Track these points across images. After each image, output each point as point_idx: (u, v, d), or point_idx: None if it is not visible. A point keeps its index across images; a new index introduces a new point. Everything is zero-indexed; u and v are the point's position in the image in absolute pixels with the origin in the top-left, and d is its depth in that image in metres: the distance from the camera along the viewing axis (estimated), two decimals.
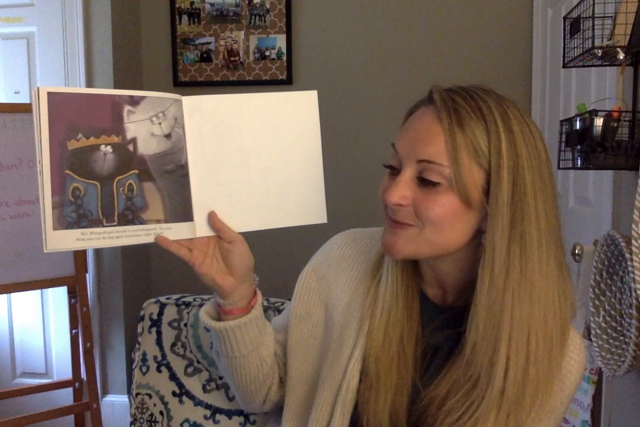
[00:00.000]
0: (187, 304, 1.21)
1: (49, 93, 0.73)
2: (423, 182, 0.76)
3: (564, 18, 1.40)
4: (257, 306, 0.91)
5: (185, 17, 2.65)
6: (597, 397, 1.45)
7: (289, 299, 1.00)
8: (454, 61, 2.51)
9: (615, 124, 1.25)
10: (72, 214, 0.75)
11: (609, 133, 1.25)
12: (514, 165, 0.73)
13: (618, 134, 1.26)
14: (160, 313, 1.21)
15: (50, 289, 2.48)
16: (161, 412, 1.19)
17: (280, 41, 2.61)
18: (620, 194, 1.50)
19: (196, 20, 2.64)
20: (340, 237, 0.97)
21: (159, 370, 1.20)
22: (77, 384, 2.21)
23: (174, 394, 1.19)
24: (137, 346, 1.21)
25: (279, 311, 1.17)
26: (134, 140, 0.78)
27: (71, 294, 2.16)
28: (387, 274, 0.87)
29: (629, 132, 1.26)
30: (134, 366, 1.22)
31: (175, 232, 0.82)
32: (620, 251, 1.24)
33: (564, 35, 1.40)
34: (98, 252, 2.52)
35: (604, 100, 1.49)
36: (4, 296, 2.52)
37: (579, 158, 1.33)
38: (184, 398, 1.18)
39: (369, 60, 2.58)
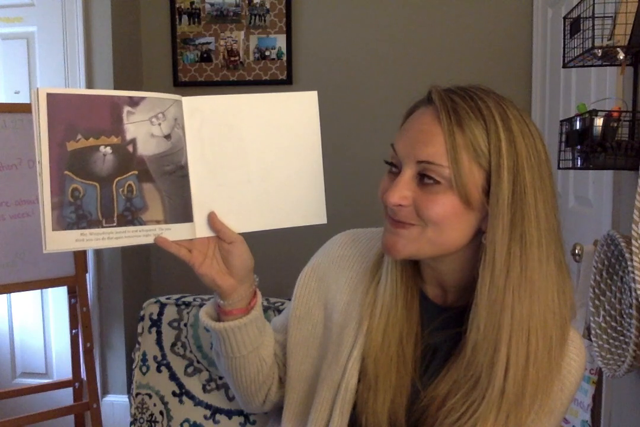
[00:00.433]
0: (187, 304, 1.21)
1: (48, 94, 0.73)
2: (423, 182, 0.76)
3: (564, 18, 1.40)
4: (257, 307, 0.91)
5: (185, 17, 2.65)
6: (597, 397, 1.45)
7: (289, 299, 1.00)
8: (454, 61, 2.51)
9: (615, 124, 1.25)
10: (72, 215, 0.75)
11: (609, 133, 1.25)
12: (513, 165, 0.74)
13: (618, 134, 1.25)
14: (160, 313, 1.21)
15: (50, 289, 2.48)
16: (161, 412, 1.19)
17: (280, 41, 2.61)
18: (620, 194, 1.50)
19: (196, 20, 2.64)
20: (340, 237, 0.97)
21: (159, 370, 1.20)
22: (77, 384, 2.21)
23: (174, 394, 1.19)
24: (137, 346, 1.21)
25: (279, 311, 1.17)
26: (133, 141, 0.78)
27: (71, 294, 2.16)
28: (387, 274, 0.87)
29: (629, 132, 1.26)
30: (134, 366, 1.22)
31: (174, 233, 0.82)
32: (620, 251, 1.24)
33: (564, 35, 1.40)
34: (98, 252, 2.52)
35: (604, 100, 1.49)
36: (4, 296, 2.52)
37: (579, 158, 1.33)
38: (184, 398, 1.18)
39: (369, 60, 2.58)
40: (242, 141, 0.85)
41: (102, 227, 0.76)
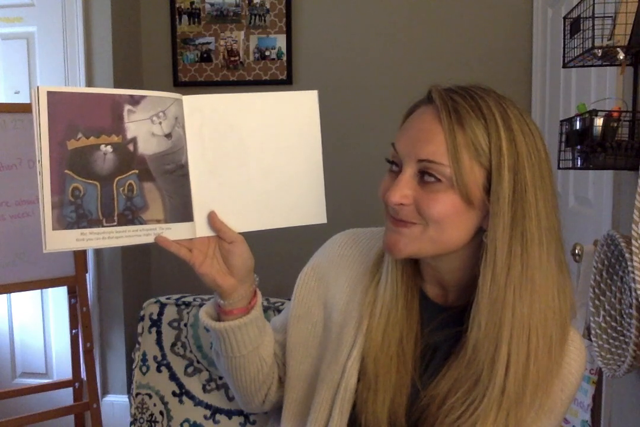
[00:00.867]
0: (187, 304, 1.21)
1: (48, 92, 0.73)
2: (424, 180, 0.76)
3: (564, 18, 1.40)
4: (257, 306, 0.91)
5: (185, 17, 2.65)
6: (597, 397, 1.45)
7: (289, 299, 1.00)
8: (454, 61, 2.52)
9: (615, 124, 1.25)
10: (72, 214, 0.74)
11: (609, 133, 1.25)
12: (514, 163, 0.74)
13: (618, 134, 1.25)
14: (160, 313, 1.21)
15: (50, 289, 2.48)
16: (161, 412, 1.19)
17: (280, 41, 2.61)
18: (620, 194, 1.50)
19: (196, 20, 2.64)
20: (340, 237, 0.97)
21: (159, 370, 1.20)
22: (77, 384, 2.21)
23: (174, 394, 1.19)
24: (137, 346, 1.21)
25: (279, 311, 1.17)
26: (134, 140, 0.78)
27: (71, 294, 2.16)
28: (387, 274, 0.87)
29: (629, 132, 1.26)
30: (134, 366, 1.22)
31: (175, 232, 0.81)
32: (620, 251, 1.24)
33: (564, 35, 1.39)
34: (98, 252, 2.52)
35: (604, 100, 1.49)
36: (4, 296, 2.52)
37: (579, 158, 1.33)
38: (184, 398, 1.18)
39: (369, 60, 2.58)
40: (243, 140, 0.85)
41: (103, 226, 0.76)
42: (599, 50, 1.22)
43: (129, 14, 2.63)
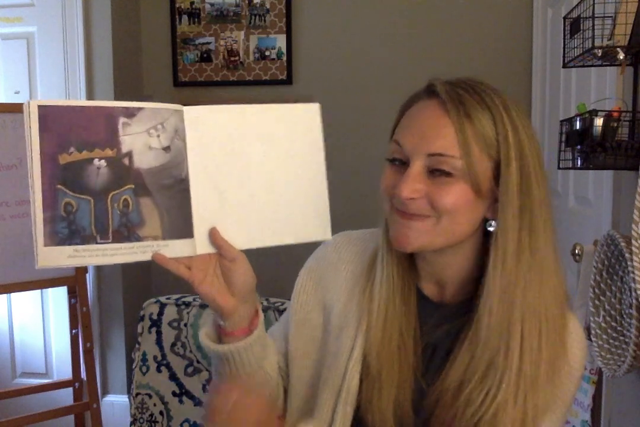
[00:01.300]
0: (187, 304, 1.21)
1: (39, 106, 0.71)
2: (434, 174, 0.77)
3: (564, 18, 1.40)
4: (260, 325, 0.88)
5: (185, 17, 2.65)
6: (597, 397, 1.45)
7: (289, 299, 1.00)
8: (454, 61, 2.51)
9: (615, 124, 1.25)
10: (64, 230, 0.72)
11: (609, 133, 1.25)
12: (519, 153, 0.76)
13: (618, 134, 1.26)
14: (160, 313, 1.21)
15: (50, 289, 2.48)
16: (161, 412, 1.19)
17: (280, 41, 2.61)
18: (620, 194, 1.50)
19: (196, 20, 2.64)
20: (334, 239, 0.97)
21: (159, 370, 1.20)
22: (77, 384, 2.21)
23: (174, 394, 1.19)
24: (137, 346, 1.21)
25: (279, 311, 1.17)
26: (129, 154, 0.75)
27: (71, 294, 2.16)
28: (382, 271, 0.87)
29: (629, 132, 1.26)
30: (134, 366, 1.22)
31: (173, 249, 0.79)
32: (620, 251, 1.24)
33: (564, 35, 1.40)
34: None
35: (604, 100, 1.49)
36: (4, 296, 2.52)
37: (579, 158, 1.33)
38: (184, 398, 1.19)
39: (368, 60, 2.58)
40: (245, 154, 0.82)
41: (97, 243, 0.74)
42: (599, 50, 1.22)
43: (129, 14, 2.63)
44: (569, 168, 1.39)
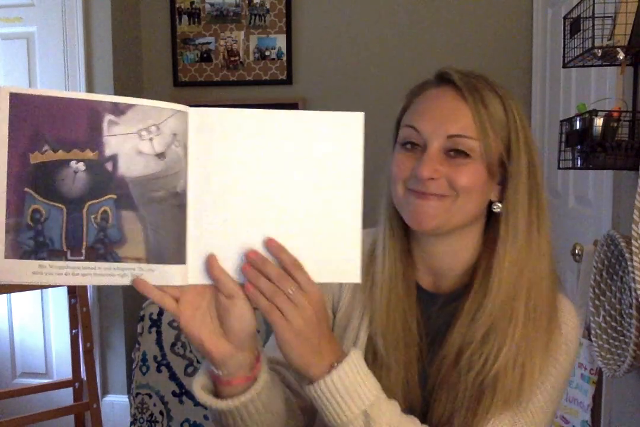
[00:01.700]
0: None
1: (11, 94, 0.62)
2: (452, 155, 0.81)
3: (564, 18, 1.40)
4: (263, 370, 0.76)
5: (185, 17, 2.65)
6: (597, 397, 1.45)
7: None
8: (455, 61, 2.51)
9: (615, 124, 1.25)
10: (29, 242, 0.63)
11: (609, 133, 1.25)
12: (524, 137, 0.82)
13: (618, 134, 1.26)
14: (160, 313, 1.21)
15: (50, 289, 2.48)
16: (161, 412, 1.19)
17: (280, 41, 2.61)
18: (620, 194, 1.50)
19: (196, 20, 2.64)
20: None
21: (159, 370, 1.20)
22: (77, 384, 2.21)
23: (174, 394, 1.19)
24: (137, 346, 1.21)
25: None
26: (113, 158, 0.65)
27: (71, 294, 2.16)
28: (384, 257, 0.88)
29: (629, 132, 1.26)
30: (134, 366, 1.22)
31: (159, 276, 0.67)
32: (620, 251, 1.24)
33: (564, 35, 1.40)
34: None
35: (604, 100, 1.49)
36: (4, 296, 2.52)
37: (579, 158, 1.33)
38: (184, 398, 1.18)
39: (369, 60, 2.58)
40: (262, 170, 0.69)
41: (67, 260, 0.64)
42: (599, 50, 1.22)
43: (129, 14, 2.63)
44: (569, 168, 1.39)
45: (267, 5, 2.60)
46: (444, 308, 0.87)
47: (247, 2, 2.61)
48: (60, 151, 0.63)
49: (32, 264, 0.63)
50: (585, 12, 1.27)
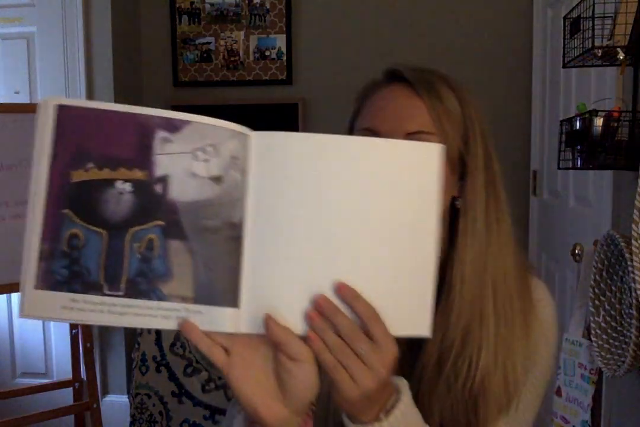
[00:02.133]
0: None
1: (59, 107, 0.55)
2: None
3: (564, 18, 1.40)
4: None
5: (185, 17, 2.65)
6: (597, 397, 1.45)
7: None
8: (454, 61, 2.51)
9: (615, 124, 1.25)
10: (63, 271, 0.56)
11: (609, 133, 1.25)
12: (480, 130, 0.80)
13: (618, 134, 1.25)
14: None
15: None
16: (160, 413, 1.19)
17: (280, 41, 2.61)
18: (620, 194, 1.50)
19: (196, 20, 2.64)
20: None
21: (158, 370, 1.20)
22: (77, 384, 2.21)
23: (173, 394, 1.19)
24: (136, 346, 1.21)
25: None
26: (164, 179, 0.57)
27: None
28: None
29: (629, 132, 1.26)
30: (133, 366, 1.22)
31: (208, 319, 0.58)
32: (620, 251, 1.24)
33: (564, 35, 1.39)
34: None
35: (604, 100, 1.49)
36: (4, 296, 2.52)
37: (579, 158, 1.33)
38: (184, 398, 1.18)
39: (369, 60, 2.58)
40: (329, 201, 0.61)
41: (103, 294, 0.56)
42: (599, 50, 1.22)
43: (129, 14, 2.63)
44: (569, 168, 1.39)
45: (267, 5, 2.60)
46: None
47: (247, 2, 2.61)
48: (105, 169, 0.56)
49: (63, 297, 0.56)
50: (585, 12, 1.27)
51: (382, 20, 2.57)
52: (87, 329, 2.16)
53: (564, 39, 1.39)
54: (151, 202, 0.57)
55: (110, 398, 2.62)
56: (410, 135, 0.78)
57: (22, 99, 2.46)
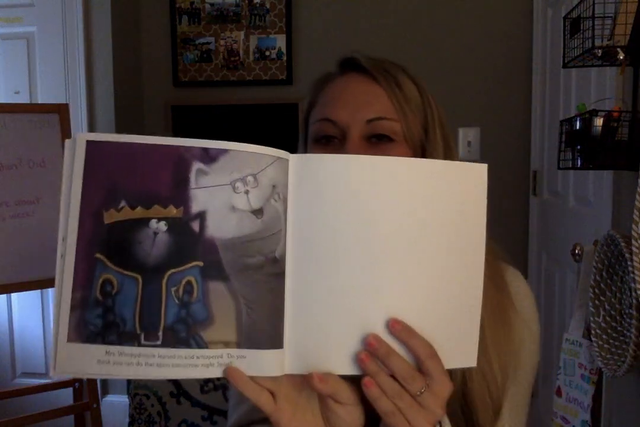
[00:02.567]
0: None
1: (88, 143, 0.51)
2: (375, 141, 0.76)
3: (564, 18, 1.40)
4: None
5: (185, 17, 2.65)
6: (597, 397, 1.45)
7: None
8: (454, 61, 2.51)
9: (615, 124, 1.25)
10: (97, 321, 0.51)
11: (609, 133, 1.25)
12: (439, 118, 0.79)
13: (618, 134, 1.25)
14: None
15: (50, 289, 2.48)
16: (159, 413, 1.19)
17: (280, 41, 2.61)
18: (620, 194, 1.50)
19: (196, 20, 2.64)
20: None
21: None
22: (77, 384, 2.21)
23: (171, 394, 1.19)
24: None
25: None
26: (201, 215, 0.53)
27: None
28: None
29: (629, 132, 1.26)
30: None
31: (252, 364, 0.53)
32: (620, 251, 1.24)
33: (564, 35, 1.39)
34: None
35: (604, 100, 1.49)
36: (4, 296, 2.52)
37: (579, 158, 1.33)
38: (182, 399, 1.18)
39: None
40: (375, 227, 0.56)
41: (140, 345, 0.51)
42: (599, 50, 1.22)
43: (129, 14, 2.63)
44: (569, 168, 1.39)
45: (267, 5, 2.59)
46: None
47: (247, 2, 2.61)
48: (138, 208, 0.52)
49: (99, 350, 0.51)
50: (585, 12, 1.26)
51: (382, 20, 2.57)
52: None
53: (564, 39, 1.39)
54: (188, 241, 0.52)
55: (110, 398, 2.62)
56: (370, 122, 0.75)
57: (22, 99, 2.46)
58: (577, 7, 1.31)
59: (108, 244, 0.52)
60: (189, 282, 0.53)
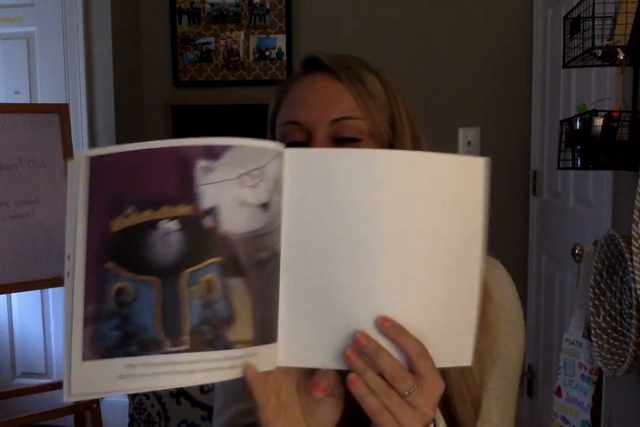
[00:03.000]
0: None
1: (91, 158, 0.50)
2: (342, 141, 0.74)
3: (564, 18, 1.40)
4: None
5: (185, 17, 2.65)
6: (597, 397, 1.45)
7: None
8: (454, 61, 2.51)
9: (615, 124, 1.25)
10: (114, 333, 0.48)
11: (609, 133, 1.25)
12: (406, 112, 0.77)
13: (618, 134, 1.25)
14: None
15: (50, 289, 2.48)
16: (159, 413, 1.19)
17: (280, 41, 2.61)
18: (620, 194, 1.50)
19: (196, 20, 2.64)
20: None
21: None
22: None
23: (171, 395, 1.19)
24: None
25: None
26: (214, 211, 0.51)
27: None
28: None
29: (629, 132, 1.26)
30: None
31: (260, 360, 0.53)
32: (620, 251, 1.24)
33: (564, 35, 1.39)
34: None
35: (604, 100, 1.49)
36: (4, 296, 2.52)
37: (579, 158, 1.33)
38: (182, 399, 1.18)
39: (368, 60, 2.58)
40: (367, 223, 0.54)
41: (165, 352, 0.48)
42: (599, 50, 1.22)
43: (129, 14, 2.63)
44: (569, 168, 1.39)
45: (267, 5, 2.60)
46: None
47: (247, 2, 2.61)
48: (147, 211, 0.50)
49: (119, 364, 0.48)
50: (585, 12, 1.26)
51: (382, 20, 2.57)
52: None
53: (564, 39, 1.39)
54: (203, 238, 0.50)
55: (110, 398, 2.62)
56: (336, 122, 0.73)
57: (22, 99, 2.46)
58: (577, 7, 1.31)
59: (118, 251, 0.49)
60: (210, 280, 0.50)
